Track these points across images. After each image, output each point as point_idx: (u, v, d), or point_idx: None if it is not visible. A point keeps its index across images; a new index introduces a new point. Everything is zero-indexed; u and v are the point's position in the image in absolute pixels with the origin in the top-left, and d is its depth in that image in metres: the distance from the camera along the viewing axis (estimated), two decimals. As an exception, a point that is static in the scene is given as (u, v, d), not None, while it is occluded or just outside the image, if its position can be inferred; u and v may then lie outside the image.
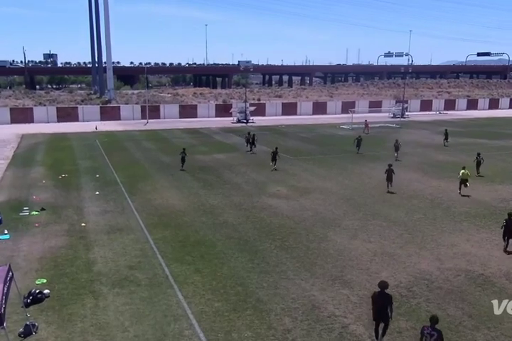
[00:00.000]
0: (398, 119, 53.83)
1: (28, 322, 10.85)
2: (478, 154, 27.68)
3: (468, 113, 66.98)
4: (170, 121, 55.36)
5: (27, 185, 23.99)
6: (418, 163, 30.06)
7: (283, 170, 27.94)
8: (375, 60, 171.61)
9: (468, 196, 22.10)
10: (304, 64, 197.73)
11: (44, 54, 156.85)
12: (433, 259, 14.86)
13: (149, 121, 54.35)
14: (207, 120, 56.19)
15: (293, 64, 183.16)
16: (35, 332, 10.72)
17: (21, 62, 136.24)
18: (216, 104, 64.24)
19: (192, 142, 39.65)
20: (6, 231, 16.94)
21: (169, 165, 29.40)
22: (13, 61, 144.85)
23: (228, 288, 12.83)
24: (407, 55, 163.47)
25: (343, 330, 10.88)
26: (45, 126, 50.46)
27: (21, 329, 10.71)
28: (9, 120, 52.26)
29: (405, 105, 62.51)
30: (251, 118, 55.28)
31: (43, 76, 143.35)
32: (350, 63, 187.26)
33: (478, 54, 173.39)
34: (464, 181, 22.72)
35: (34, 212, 19.30)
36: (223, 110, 59.74)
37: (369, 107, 63.71)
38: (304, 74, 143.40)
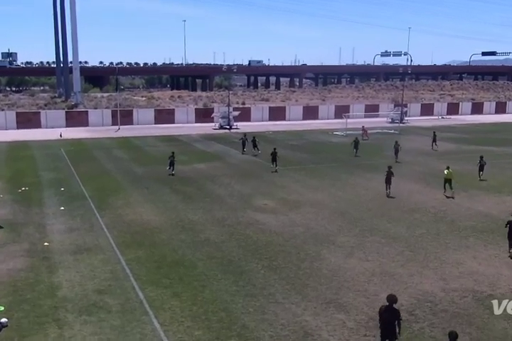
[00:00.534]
0: (397, 125, 54.46)
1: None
2: (481, 157, 28.91)
3: (473, 118, 68.06)
4: (144, 127, 55.25)
5: (-18, 200, 23.67)
6: (419, 173, 30.40)
7: (270, 182, 28.02)
8: (370, 60, 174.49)
9: (470, 208, 22.39)
10: (293, 64, 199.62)
11: (2, 53, 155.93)
12: (437, 279, 14.97)
13: (121, 127, 54.18)
14: (186, 126, 56.21)
15: (281, 64, 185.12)
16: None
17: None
18: (196, 109, 64.34)
19: (169, 151, 39.46)
20: (-43, 253, 16.66)
21: (143, 177, 29.29)
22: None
23: (210, 313, 12.76)
24: (405, 54, 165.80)
25: (339, 360, 10.86)
26: (3, 133, 50.01)
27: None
28: (-38, 127, 51.72)
29: (404, 109, 63.34)
30: (235, 124, 55.45)
31: (0, 77, 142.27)
32: (343, 63, 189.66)
33: (483, 53, 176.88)
34: (447, 181, 24.76)
35: (-10, 231, 19.02)
36: (204, 115, 59.85)
37: (365, 111, 64.37)
38: (293, 75, 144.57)
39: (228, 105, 58.92)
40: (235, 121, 55.84)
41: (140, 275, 15.07)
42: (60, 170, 31.61)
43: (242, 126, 54.98)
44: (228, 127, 54.68)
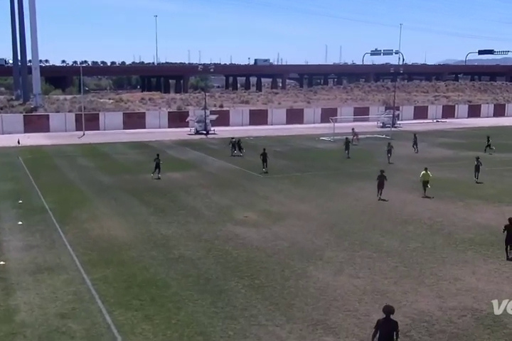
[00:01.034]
0: (388, 129, 55.02)
1: None
2: (477, 158, 30.38)
3: (469, 121, 69.10)
4: (112, 132, 54.95)
5: None
6: (413, 182, 30.66)
7: (252, 192, 28.05)
8: (359, 59, 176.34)
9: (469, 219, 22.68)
10: (276, 63, 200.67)
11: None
12: (433, 297, 15.10)
13: (86, 133, 53.81)
14: (158, 131, 56.05)
15: (262, 63, 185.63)
16: None
17: None
18: (169, 112, 64.25)
19: (139, 158, 39.41)
20: None
21: (111, 187, 29.10)
22: None
23: (186, 338, 12.68)
24: (397, 52, 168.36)
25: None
26: (-46, 139, 49.24)
27: None
28: None
29: (396, 112, 64.04)
30: (212, 128, 55.49)
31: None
32: (330, 62, 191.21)
33: (480, 52, 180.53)
34: (425, 183, 26.81)
35: None
36: (178, 119, 59.77)
37: (354, 115, 64.87)
38: (275, 75, 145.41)
39: (205, 108, 58.93)
40: (212, 125, 55.86)
41: (107, 296, 14.92)
42: (17, 180, 31.23)
43: (220, 131, 55.03)
44: (205, 132, 54.67)
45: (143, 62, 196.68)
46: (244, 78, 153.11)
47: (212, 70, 65.54)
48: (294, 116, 65.78)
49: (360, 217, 23.28)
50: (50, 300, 14.71)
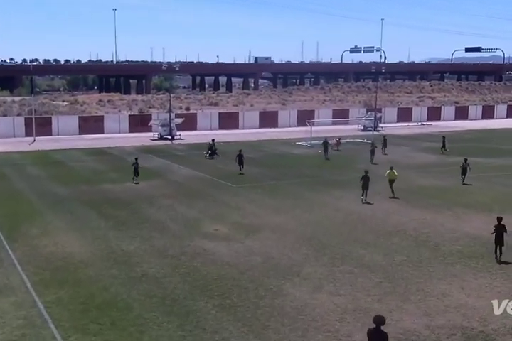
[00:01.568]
0: (370, 133, 55.60)
1: None
2: (465, 160, 32.04)
3: (457, 124, 70.32)
4: (66, 138, 54.37)
5: None
6: (397, 190, 31.02)
7: (222, 202, 28.03)
8: (338, 57, 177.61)
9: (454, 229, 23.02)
10: (248, 62, 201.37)
11: None
12: (420, 314, 15.26)
13: (37, 138, 53.13)
14: (118, 136, 55.66)
15: (232, 61, 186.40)
16: None
17: None
18: (130, 115, 63.90)
19: (98, 167, 39.06)
20: None
21: (66, 199, 28.78)
22: None
23: (150, 365, 12.56)
24: (378, 50, 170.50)
25: None
26: None
27: None
28: None
29: (378, 115, 64.82)
30: (178, 133, 55.33)
31: None
32: (307, 60, 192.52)
33: (467, 49, 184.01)
34: (391, 182, 28.83)
35: None
36: (140, 123, 59.48)
37: (332, 117, 65.49)
38: (247, 74, 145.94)
39: (169, 111, 58.76)
40: (178, 130, 55.71)
41: (62, 320, 14.72)
42: (-41, 192, 30.63)
43: (187, 136, 54.92)
44: (170, 137, 54.48)
45: (100, 61, 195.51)
46: (212, 78, 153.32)
47: (177, 69, 65.57)
48: (268, 119, 66.00)
49: (340, 228, 23.43)
50: (-3, 325, 14.44)
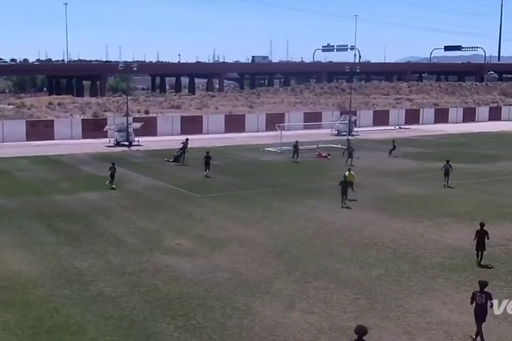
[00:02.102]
0: (345, 137, 56.02)
1: None
2: (447, 161, 33.28)
3: (436, 127, 71.33)
4: (12, 145, 53.51)
5: None
6: (374, 199, 31.36)
7: (185, 214, 27.93)
8: (309, 56, 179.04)
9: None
10: (212, 61, 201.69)
11: None
12: (400, 333, 15.40)
13: (-20, 145, 52.23)
14: (70, 143, 55.04)
15: (195, 61, 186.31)
16: None
17: None
18: (83, 120, 63.25)
19: (48, 176, 38.55)
20: None
21: (13, 212, 28.34)
22: None
23: None
24: (352, 48, 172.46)
25: None
26: None
27: None
28: None
29: (353, 118, 65.37)
30: (136, 139, 54.98)
31: None
32: (276, 60, 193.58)
33: (446, 48, 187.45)
34: (350, 184, 29.79)
35: None
36: (94, 128, 58.87)
37: (304, 121, 65.69)
38: (211, 75, 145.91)
39: (127, 115, 58.37)
40: (136, 135, 55.34)
41: (8, 346, 14.46)
42: None
43: (146, 142, 54.59)
44: (127, 143, 54.08)
45: (50, 60, 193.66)
46: (174, 78, 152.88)
47: (135, 69, 65.02)
48: (234, 123, 66.01)
49: (314, 241, 23.54)
50: None
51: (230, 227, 25.69)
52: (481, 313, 14.83)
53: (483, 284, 15.03)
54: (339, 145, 51.56)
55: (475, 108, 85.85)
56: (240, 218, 27.37)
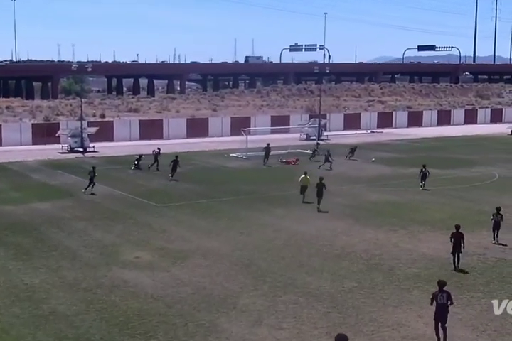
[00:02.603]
0: (314, 142, 56.31)
1: None
2: (424, 166, 35.28)
3: (410, 131, 72.16)
4: (-44, 152, 52.70)
5: None
6: (345, 207, 31.57)
7: (144, 225, 27.77)
8: (276, 56, 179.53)
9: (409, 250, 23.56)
10: (173, 61, 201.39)
11: None
12: (374, 348, 15.47)
13: None
14: (19, 149, 54.34)
15: (155, 61, 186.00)
16: None
17: None
18: (34, 124, 62.53)
19: (-6, 185, 37.99)
20: None
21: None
22: None
23: None
24: (321, 48, 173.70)
25: None
26: None
27: None
28: None
29: (323, 122, 65.74)
30: (91, 145, 54.52)
31: None
32: (241, 60, 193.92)
33: (420, 48, 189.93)
34: (304, 188, 31.84)
35: None
36: (46, 133, 58.23)
37: (271, 125, 65.98)
38: (172, 76, 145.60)
39: (81, 119, 57.88)
40: (91, 141, 54.89)
41: (-48, 371, 14.20)
42: None
43: (102, 148, 54.17)
44: (81, 150, 53.62)
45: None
46: (131, 80, 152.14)
47: (89, 70, 64.46)
48: (197, 127, 65.92)
49: (282, 252, 23.58)
50: None
51: (193, 238, 25.59)
52: (443, 313, 15.66)
53: (442, 283, 16.05)
54: (308, 151, 51.86)
55: (450, 111, 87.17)
56: (203, 228, 27.29)
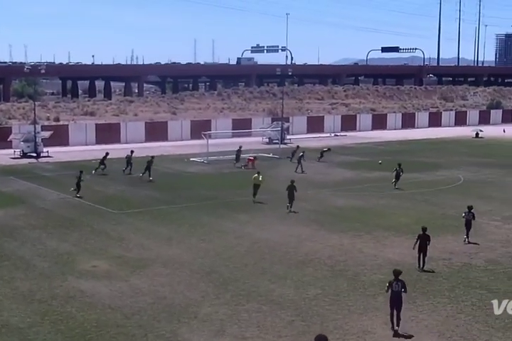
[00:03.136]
0: (277, 146, 56.50)
1: None
2: (399, 165, 36.92)
3: (374, 134, 72.96)
4: None
5: None
6: (309, 212, 31.73)
7: (101, 233, 27.57)
8: (237, 57, 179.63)
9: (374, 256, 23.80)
10: (130, 63, 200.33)
11: None
12: (339, 357, 15.57)
13: None
14: (-32, 155, 53.51)
15: (112, 62, 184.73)
16: None
17: None
18: (-16, 128, 61.66)
19: None
20: None
21: None
22: None
23: None
24: (284, 49, 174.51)
25: None
26: None
27: None
28: None
29: (286, 125, 65.98)
30: (44, 150, 53.92)
31: None
32: (201, 61, 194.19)
33: (383, 49, 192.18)
34: (256, 187, 33.18)
35: None
36: (-3, 138, 57.49)
37: (232, 129, 66.03)
38: (130, 78, 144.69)
39: (34, 123, 57.23)
40: (45, 145, 54.28)
41: None
42: None
43: (56, 153, 53.60)
44: (35, 155, 53.00)
45: None
46: (87, 82, 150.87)
47: (43, 72, 63.80)
48: (156, 131, 65.66)
49: (245, 259, 23.62)
50: None
51: (153, 246, 25.48)
52: (397, 300, 17.01)
53: (397, 272, 17.48)
54: (271, 155, 52.07)
55: (414, 113, 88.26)
56: (163, 236, 27.19)
